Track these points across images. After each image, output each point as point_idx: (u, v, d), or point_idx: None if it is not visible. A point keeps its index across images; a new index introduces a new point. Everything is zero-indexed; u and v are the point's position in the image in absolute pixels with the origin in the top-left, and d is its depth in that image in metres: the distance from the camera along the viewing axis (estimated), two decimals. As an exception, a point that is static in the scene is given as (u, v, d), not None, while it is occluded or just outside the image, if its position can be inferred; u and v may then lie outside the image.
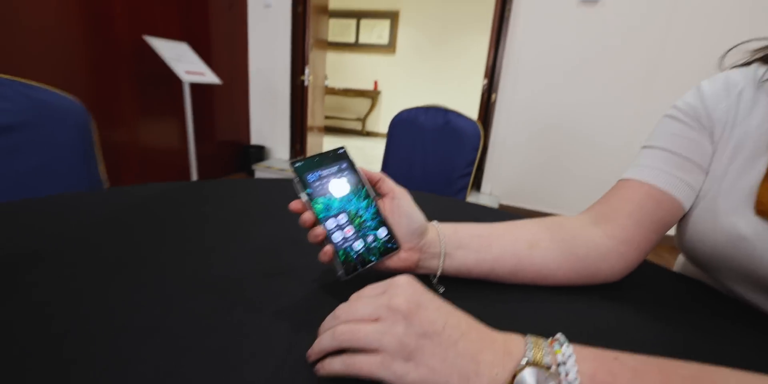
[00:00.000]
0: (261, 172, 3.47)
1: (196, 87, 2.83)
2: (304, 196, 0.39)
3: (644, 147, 0.49)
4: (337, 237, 0.39)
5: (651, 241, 0.46)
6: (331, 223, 0.39)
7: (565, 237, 0.45)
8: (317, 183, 0.40)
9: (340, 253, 0.39)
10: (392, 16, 5.64)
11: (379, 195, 0.44)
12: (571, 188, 2.85)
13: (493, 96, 2.95)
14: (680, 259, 0.61)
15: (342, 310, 0.30)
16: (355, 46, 5.97)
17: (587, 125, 2.70)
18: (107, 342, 0.32)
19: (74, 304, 0.36)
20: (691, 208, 0.46)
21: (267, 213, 0.66)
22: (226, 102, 3.31)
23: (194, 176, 2.59)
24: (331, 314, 0.31)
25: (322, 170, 0.41)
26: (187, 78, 2.37)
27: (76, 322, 0.34)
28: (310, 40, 3.35)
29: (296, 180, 0.39)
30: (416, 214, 0.41)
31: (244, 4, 3.29)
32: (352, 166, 0.42)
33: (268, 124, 3.59)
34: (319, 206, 0.39)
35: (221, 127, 3.31)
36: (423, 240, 0.42)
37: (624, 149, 2.63)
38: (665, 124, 0.48)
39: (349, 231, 0.40)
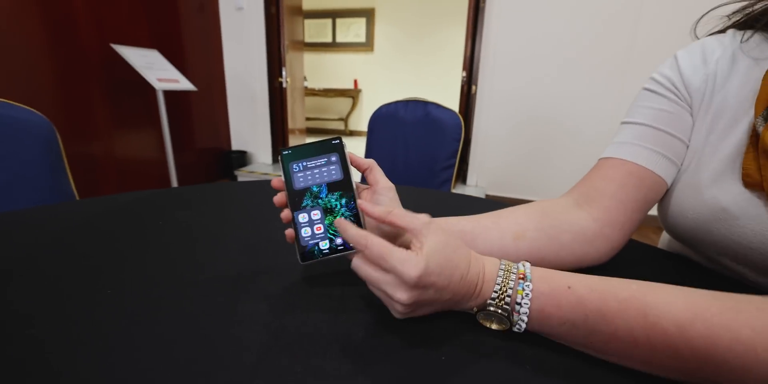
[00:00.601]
0: (244, 177, 3.42)
1: (171, 94, 2.77)
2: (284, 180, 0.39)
3: (623, 123, 0.48)
4: (305, 232, 0.38)
5: (635, 221, 0.45)
6: (302, 218, 0.38)
7: (552, 223, 0.43)
8: (299, 174, 0.39)
9: (306, 244, 0.38)
10: (368, 14, 5.61)
11: (366, 184, 0.42)
12: (556, 176, 2.87)
13: (474, 88, 2.95)
14: (664, 237, 0.61)
15: (364, 272, 0.33)
16: (333, 46, 5.93)
17: (569, 113, 2.72)
18: (94, 351, 0.31)
19: (58, 314, 0.35)
20: (672, 183, 0.46)
21: (245, 214, 0.64)
22: (204, 108, 3.25)
23: (175, 186, 2.54)
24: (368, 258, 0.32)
25: (308, 160, 0.39)
26: (160, 86, 2.31)
27: (62, 331, 0.33)
28: (285, 41, 3.31)
29: (281, 167, 0.39)
30: None
31: (216, 8, 3.23)
32: (342, 159, 0.40)
33: (248, 128, 3.54)
34: (294, 198, 0.38)
35: (201, 134, 3.25)
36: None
37: (606, 135, 2.65)
38: (643, 98, 0.47)
39: (319, 229, 0.38)
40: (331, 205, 0.38)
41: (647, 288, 0.31)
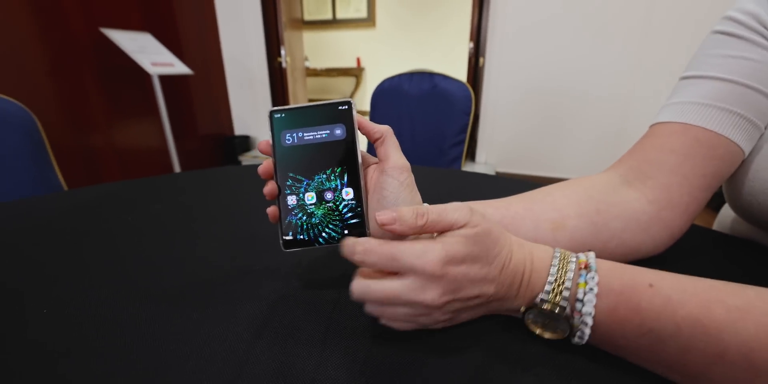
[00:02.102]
0: (248, 163, 3.35)
1: (168, 80, 2.67)
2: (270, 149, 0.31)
3: (684, 78, 0.38)
4: (295, 217, 0.30)
5: (700, 201, 0.36)
6: (292, 200, 0.30)
7: (598, 207, 0.34)
8: (292, 149, 0.31)
9: (293, 223, 0.30)
10: (368, -13, 5.37)
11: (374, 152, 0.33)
12: (569, 149, 2.74)
13: (481, 60, 2.79)
14: (723, 217, 0.51)
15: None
16: (333, 23, 5.72)
17: (581, 81, 2.56)
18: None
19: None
20: (753, 152, 0.36)
21: (226, 205, 0.56)
22: (204, 93, 3.15)
23: (178, 173, 2.47)
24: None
25: (306, 131, 0.31)
26: (154, 70, 2.22)
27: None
28: (282, 18, 3.16)
29: (270, 130, 0.31)
30: (403, 205, 0.30)
31: (209, -13, 3.08)
32: (351, 132, 0.31)
33: (249, 112, 3.44)
34: (284, 176, 0.31)
35: (202, 120, 3.16)
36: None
37: (622, 102, 2.49)
38: (715, 44, 0.37)
39: (313, 216, 0.30)
40: (330, 190, 0.30)
41: None
